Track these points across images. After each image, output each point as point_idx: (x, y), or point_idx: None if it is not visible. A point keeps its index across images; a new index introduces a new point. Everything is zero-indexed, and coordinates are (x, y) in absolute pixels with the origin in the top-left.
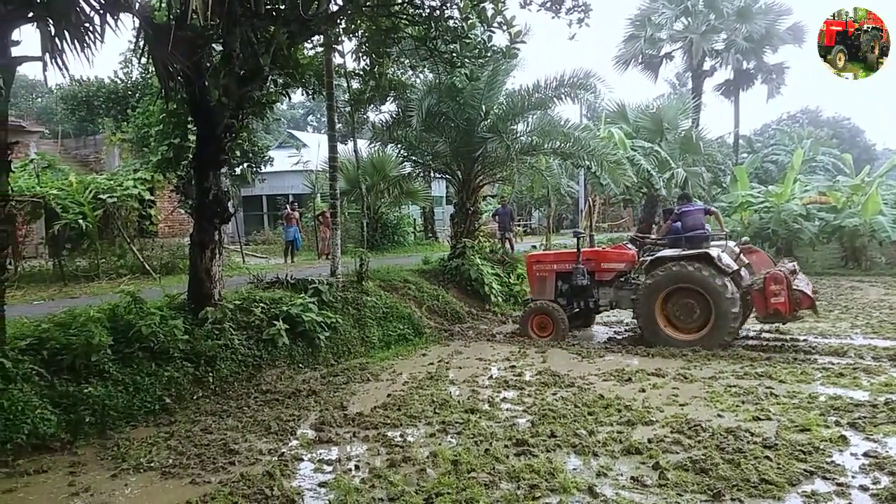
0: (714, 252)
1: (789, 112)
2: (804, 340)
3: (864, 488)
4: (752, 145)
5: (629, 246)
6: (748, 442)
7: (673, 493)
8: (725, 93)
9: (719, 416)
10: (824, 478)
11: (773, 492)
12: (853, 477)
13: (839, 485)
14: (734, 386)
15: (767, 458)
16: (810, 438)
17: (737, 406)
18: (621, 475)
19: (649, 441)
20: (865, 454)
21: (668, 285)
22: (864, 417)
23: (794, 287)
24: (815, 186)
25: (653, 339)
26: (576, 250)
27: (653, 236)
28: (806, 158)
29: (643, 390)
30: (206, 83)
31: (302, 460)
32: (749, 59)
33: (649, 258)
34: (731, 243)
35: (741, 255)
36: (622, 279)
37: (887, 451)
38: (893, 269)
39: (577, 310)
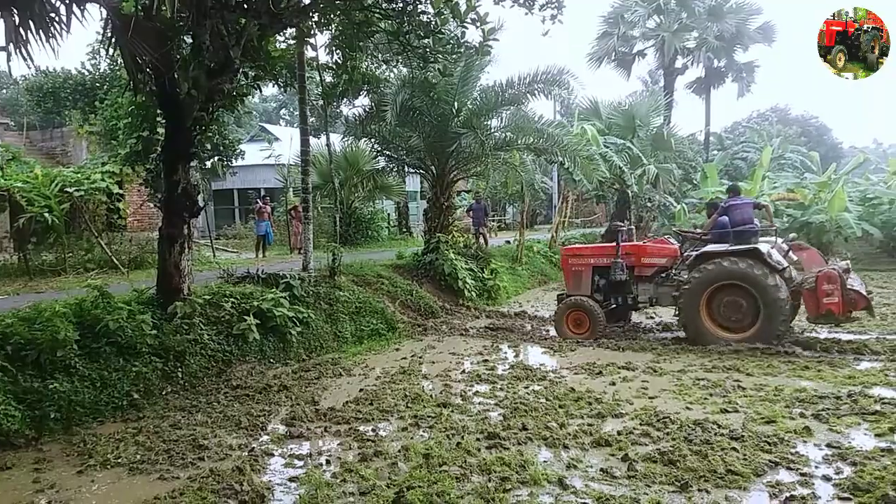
0: (764, 248)
1: (759, 110)
2: None
3: (826, 478)
4: (723, 142)
5: (671, 240)
6: (715, 434)
7: (641, 485)
8: (697, 90)
9: (688, 408)
10: (789, 468)
11: (738, 482)
12: (816, 467)
13: (803, 475)
14: (703, 379)
15: (734, 449)
16: (776, 430)
17: (705, 399)
18: (591, 467)
19: (619, 433)
20: (829, 445)
21: (714, 282)
22: (828, 409)
23: (849, 286)
24: (784, 183)
25: (696, 337)
26: (614, 244)
27: (698, 231)
28: (775, 156)
29: (613, 383)
30: (176, 75)
31: (272, 455)
32: (720, 58)
33: (693, 253)
34: (780, 240)
35: (790, 252)
36: (663, 275)
37: (850, 443)
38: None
39: (615, 306)
